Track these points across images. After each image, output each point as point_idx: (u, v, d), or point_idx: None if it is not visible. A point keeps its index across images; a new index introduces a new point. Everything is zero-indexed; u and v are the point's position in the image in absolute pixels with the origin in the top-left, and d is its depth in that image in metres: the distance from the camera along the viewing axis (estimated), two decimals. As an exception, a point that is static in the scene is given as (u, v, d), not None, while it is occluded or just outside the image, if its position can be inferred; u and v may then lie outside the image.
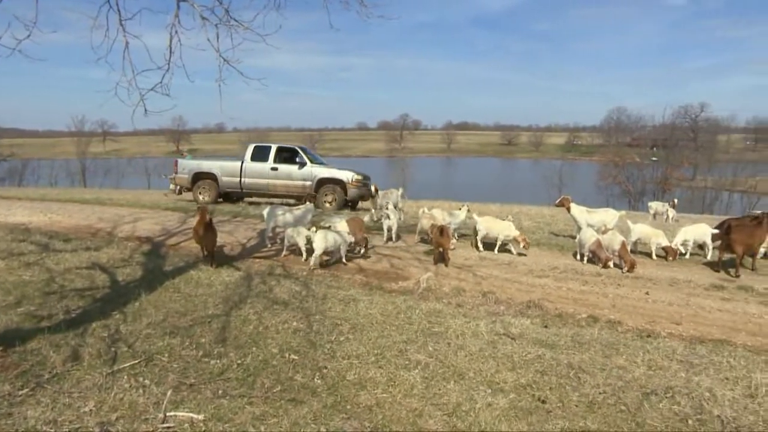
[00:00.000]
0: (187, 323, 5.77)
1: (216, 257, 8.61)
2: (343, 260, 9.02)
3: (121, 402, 3.98)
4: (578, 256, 9.83)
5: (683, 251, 10.09)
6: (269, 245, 10.17)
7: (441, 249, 9.04)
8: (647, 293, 7.82)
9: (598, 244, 9.29)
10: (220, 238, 10.43)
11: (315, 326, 5.84)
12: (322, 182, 16.02)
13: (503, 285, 8.06)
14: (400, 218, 11.17)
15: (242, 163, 16.87)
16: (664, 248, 9.85)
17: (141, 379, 4.40)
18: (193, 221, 9.47)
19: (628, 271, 8.84)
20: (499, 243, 10.08)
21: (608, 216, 11.15)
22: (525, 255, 9.92)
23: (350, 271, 8.65)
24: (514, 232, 9.88)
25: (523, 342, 5.62)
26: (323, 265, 8.75)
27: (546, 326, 6.26)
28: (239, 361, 4.87)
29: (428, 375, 4.76)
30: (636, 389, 4.60)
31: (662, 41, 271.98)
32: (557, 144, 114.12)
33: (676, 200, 20.18)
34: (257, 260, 9.10)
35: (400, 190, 14.73)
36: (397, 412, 4.15)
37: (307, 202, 10.66)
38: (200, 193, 17.05)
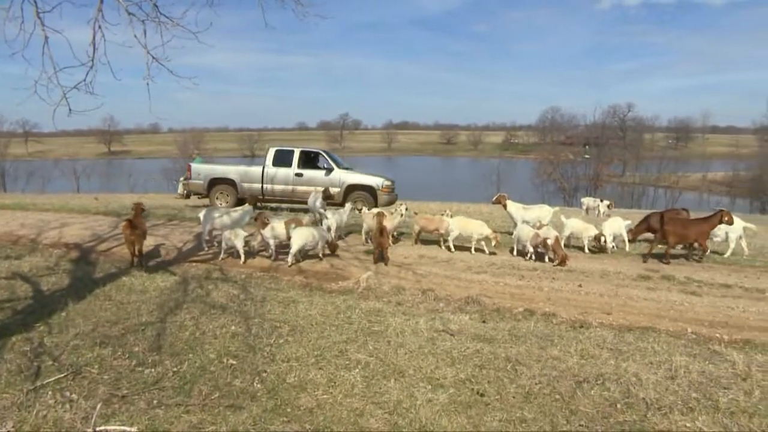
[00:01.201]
0: (119, 332, 5.56)
1: (151, 262, 8.34)
2: (320, 255, 9.32)
3: (45, 420, 3.80)
4: (515, 252, 10.10)
5: (610, 246, 10.59)
6: (206, 248, 9.94)
7: (381, 248, 9.12)
8: (580, 286, 8.17)
9: (535, 237, 9.53)
10: (155, 242, 10.14)
11: (254, 329, 5.77)
12: (351, 188, 15.33)
13: (442, 282, 8.20)
14: (341, 218, 11.21)
15: (263, 168, 15.86)
16: (594, 237, 10.35)
17: (68, 393, 4.21)
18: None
19: (559, 264, 9.19)
20: (474, 242, 10.18)
21: (543, 212, 11.58)
22: (495, 254, 10.04)
23: (290, 272, 8.58)
24: (486, 231, 10.03)
25: (462, 337, 5.75)
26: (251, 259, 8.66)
27: (484, 321, 6.42)
28: (175, 369, 4.76)
29: (369, 374, 4.80)
30: (569, 378, 4.81)
31: (590, 44, 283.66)
32: (495, 143, 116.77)
33: (610, 202, 20.75)
34: (194, 264, 8.87)
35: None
36: (338, 412, 4.17)
37: (246, 204, 10.46)
38: (218, 199, 15.88)
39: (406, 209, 11.14)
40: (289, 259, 8.97)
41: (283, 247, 9.57)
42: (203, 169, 16.35)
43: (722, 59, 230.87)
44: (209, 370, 4.77)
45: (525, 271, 8.97)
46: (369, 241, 10.58)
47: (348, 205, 11.94)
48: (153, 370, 4.72)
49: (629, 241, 10.82)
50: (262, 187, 15.63)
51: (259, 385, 4.54)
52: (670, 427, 4.03)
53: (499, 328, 6.11)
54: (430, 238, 11.05)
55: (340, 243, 10.53)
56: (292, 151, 15.95)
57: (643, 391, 4.55)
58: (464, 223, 10.29)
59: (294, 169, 15.65)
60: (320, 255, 9.34)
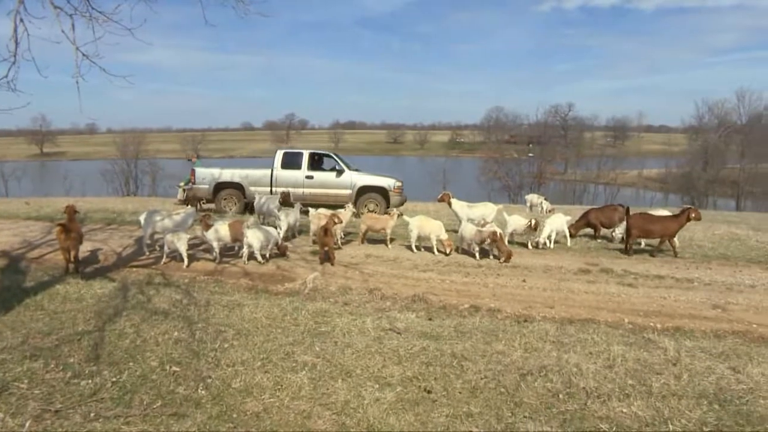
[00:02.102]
0: (51, 343, 5.28)
1: (87, 268, 7.99)
2: (265, 257, 9.23)
3: (-33, 442, 3.58)
4: (460, 250, 10.23)
5: (549, 243, 10.92)
6: (147, 253, 9.61)
7: (326, 248, 9.08)
8: (524, 281, 8.38)
9: (479, 234, 9.67)
10: (92, 247, 9.74)
11: (198, 335, 5.62)
12: (363, 190, 15.04)
13: (389, 281, 8.24)
14: (293, 219, 11.18)
15: (272, 171, 15.33)
16: (528, 225, 10.58)
17: (-8, 412, 3.96)
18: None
19: (505, 261, 9.40)
20: (434, 242, 10.17)
21: (487, 210, 11.82)
22: (448, 254, 10.02)
23: (234, 275, 8.41)
24: (444, 235, 10.06)
25: (409, 335, 5.80)
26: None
27: (431, 319, 6.48)
28: (114, 379, 4.57)
29: (316, 375, 4.76)
30: (514, 371, 4.93)
31: (532, 45, 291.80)
32: (441, 142, 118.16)
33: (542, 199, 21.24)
34: (134, 269, 8.57)
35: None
36: (285, 416, 4.12)
37: (188, 206, 10.18)
38: (224, 204, 15.12)
39: (354, 209, 11.12)
40: (259, 258, 9.04)
41: (227, 249, 9.40)
42: (209, 173, 15.44)
43: (654, 62, 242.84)
44: (151, 379, 4.62)
45: (470, 268, 9.12)
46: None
47: (298, 205, 11.83)
48: (90, 381, 4.51)
49: (570, 236, 11.19)
50: (271, 190, 15.01)
51: (203, 392, 4.43)
52: (608, 413, 4.20)
53: (445, 325, 6.18)
54: (376, 238, 11.08)
55: (287, 244, 10.41)
56: (301, 153, 15.55)
57: (584, 381, 4.72)
58: (424, 223, 10.34)
59: (304, 171, 15.25)
60: (266, 257, 9.24)
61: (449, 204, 12.00)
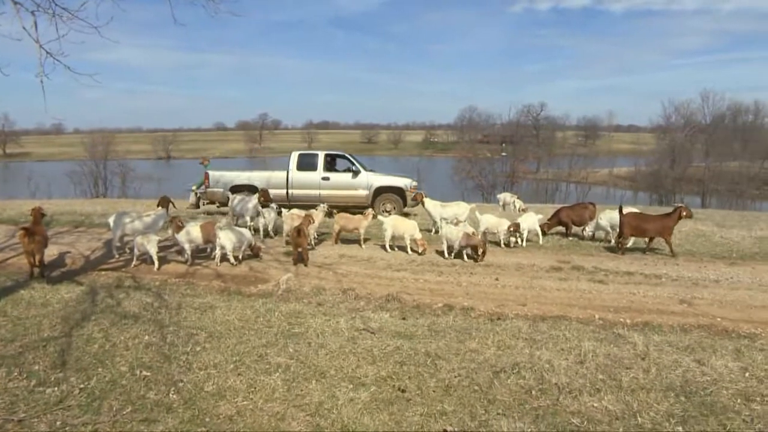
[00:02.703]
0: (15, 350, 5.15)
1: (54, 272, 7.79)
2: (238, 259, 9.13)
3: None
4: (446, 254, 9.86)
5: (521, 241, 11.04)
6: (117, 255, 9.42)
7: (300, 249, 9.03)
8: (497, 279, 8.45)
9: (467, 237, 9.61)
10: (59, 251, 9.51)
11: (169, 338, 5.54)
12: (380, 191, 14.81)
13: (363, 281, 8.23)
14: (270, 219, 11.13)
15: (288, 173, 15.03)
16: (509, 228, 10.66)
17: (-49, 423, 3.84)
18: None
19: (480, 259, 9.46)
20: (407, 242, 10.15)
21: (460, 209, 11.90)
22: (421, 254, 9.99)
23: (207, 277, 8.31)
24: (417, 235, 10.05)
25: (383, 335, 5.80)
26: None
27: (404, 318, 6.50)
28: (82, 386, 4.47)
29: (289, 377, 4.74)
30: (487, 369, 4.97)
31: (505, 45, 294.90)
32: (415, 141, 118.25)
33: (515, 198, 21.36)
34: (103, 273, 8.40)
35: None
36: (258, 418, 4.09)
37: (159, 207, 10.00)
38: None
39: (327, 209, 11.07)
40: (231, 259, 8.95)
41: (200, 251, 9.28)
42: (223, 176, 15.12)
43: (623, 63, 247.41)
44: (120, 384, 4.53)
45: (444, 267, 9.17)
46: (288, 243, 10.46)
47: (273, 206, 11.72)
48: (56, 389, 4.40)
49: (542, 234, 11.34)
50: (287, 192, 14.84)
51: (175, 396, 4.37)
52: (580, 408, 4.27)
53: (418, 324, 6.21)
54: (350, 238, 11.06)
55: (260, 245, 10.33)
56: (317, 155, 15.35)
57: (556, 377, 4.80)
58: (398, 223, 10.33)
59: (320, 172, 15.02)
60: (239, 258, 9.16)
61: (422, 203, 12.05)
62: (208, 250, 9.43)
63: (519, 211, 18.95)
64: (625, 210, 10.49)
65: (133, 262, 8.83)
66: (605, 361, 5.16)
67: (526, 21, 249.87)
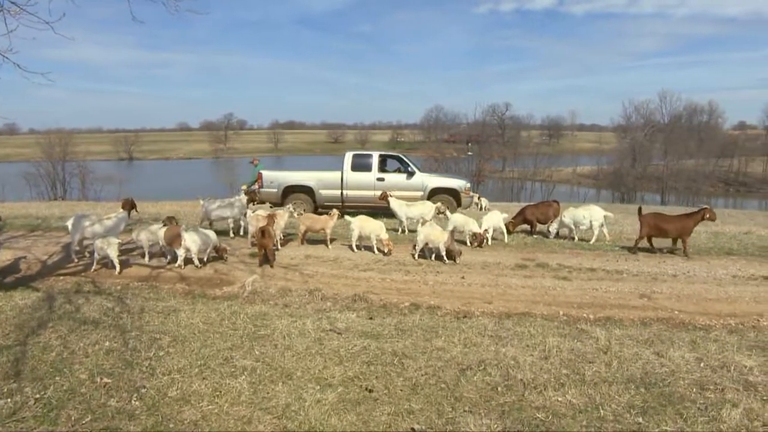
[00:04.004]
0: (-36, 361, 4.93)
1: (7, 278, 7.52)
2: (201, 261, 9.01)
3: None
4: (430, 254, 9.74)
5: (488, 238, 11.17)
6: (76, 260, 9.13)
7: (265, 250, 8.93)
8: (463, 278, 8.51)
9: (452, 240, 9.58)
10: (13, 255, 9.22)
11: (131, 343, 5.41)
12: (435, 191, 14.62)
13: (330, 281, 8.20)
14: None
15: (342, 173, 14.77)
16: (473, 234, 10.78)
17: None
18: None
19: (457, 260, 9.45)
20: (374, 242, 10.11)
21: (425, 208, 11.97)
22: (386, 254, 9.90)
23: (170, 280, 8.14)
24: (384, 235, 9.99)
25: (350, 335, 5.79)
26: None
27: (371, 318, 6.50)
28: (38, 396, 4.31)
29: (255, 380, 4.68)
30: (454, 367, 5.01)
31: (470, 46, 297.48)
32: (382, 141, 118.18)
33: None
34: (61, 278, 8.15)
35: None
36: (224, 422, 4.02)
37: (120, 210, 9.74)
38: (294, 209, 14.27)
39: (295, 209, 10.99)
40: (196, 261, 8.82)
41: (162, 254, 9.11)
42: (277, 177, 14.92)
43: (585, 64, 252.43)
44: (80, 393, 4.40)
45: (411, 266, 9.20)
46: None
47: (250, 212, 11.51)
48: (9, 400, 4.23)
49: (507, 232, 11.49)
50: (341, 193, 14.57)
51: (137, 403, 4.26)
52: (545, 403, 4.34)
53: (385, 324, 6.21)
54: (316, 238, 11.00)
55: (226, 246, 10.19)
56: (371, 155, 15.13)
57: (521, 373, 4.87)
58: (364, 223, 10.29)
59: (375, 173, 14.79)
60: (204, 260, 9.02)
61: (387, 203, 12.07)
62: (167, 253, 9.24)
63: (485, 209, 19.20)
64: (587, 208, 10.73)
65: (93, 267, 8.59)
66: (569, 356, 5.26)
67: (491, 22, 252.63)
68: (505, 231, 11.38)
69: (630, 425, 4.02)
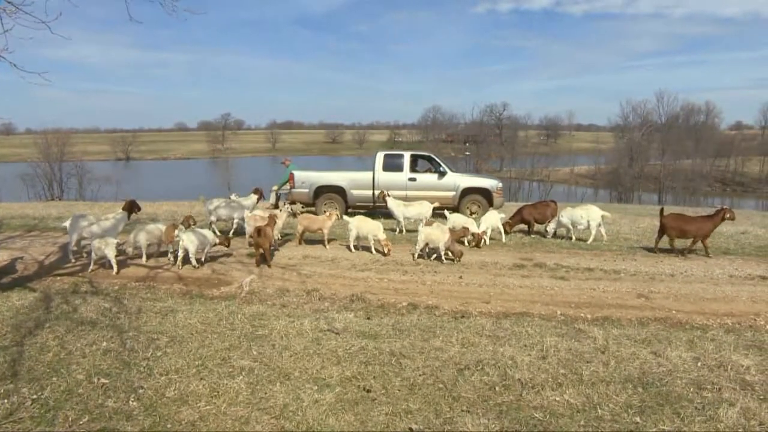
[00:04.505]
0: (-40, 362, 4.91)
1: (4, 279, 7.50)
2: (202, 259, 9.09)
3: None
4: (430, 254, 9.78)
5: (486, 238, 11.18)
6: (73, 260, 9.11)
7: (262, 250, 8.93)
8: (461, 277, 8.51)
9: (452, 240, 9.53)
10: (9, 256, 9.19)
11: (128, 344, 5.39)
12: (467, 191, 14.54)
13: (327, 281, 8.19)
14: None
15: (374, 173, 14.70)
16: (472, 235, 10.78)
17: None
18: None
19: (452, 258, 9.48)
20: (371, 242, 10.11)
21: (423, 208, 11.98)
22: (386, 255, 9.89)
23: (168, 280, 8.13)
24: (381, 235, 9.98)
25: (347, 335, 5.78)
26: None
27: (369, 318, 6.50)
28: (34, 396, 4.30)
29: (253, 380, 4.67)
30: (451, 367, 5.01)
31: (468, 46, 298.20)
32: (380, 141, 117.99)
33: None
34: (59, 278, 8.12)
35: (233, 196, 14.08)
36: (222, 423, 4.02)
37: (120, 210, 9.73)
38: (325, 210, 14.11)
39: (291, 209, 10.98)
40: (194, 262, 8.81)
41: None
42: (309, 177, 14.84)
43: (583, 64, 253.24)
44: (77, 393, 4.39)
45: (408, 266, 9.20)
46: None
47: (246, 213, 11.53)
48: (6, 401, 4.22)
49: (505, 232, 11.49)
50: (373, 193, 14.45)
51: (135, 403, 4.25)
52: (542, 402, 4.34)
53: (383, 324, 6.21)
54: (314, 238, 11.00)
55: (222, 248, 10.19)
56: (402, 155, 15.02)
57: (519, 373, 4.87)
58: (362, 223, 10.29)
59: (406, 173, 14.72)
60: (201, 260, 9.02)
61: (385, 202, 12.06)
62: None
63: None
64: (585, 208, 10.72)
65: (91, 267, 8.57)
66: (567, 356, 5.26)
67: (489, 22, 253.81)
68: (502, 231, 11.39)
69: (627, 425, 4.03)
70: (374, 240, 10.05)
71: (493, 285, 8.14)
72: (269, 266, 8.87)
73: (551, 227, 11.73)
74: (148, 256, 9.22)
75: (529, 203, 14.02)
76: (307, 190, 14.74)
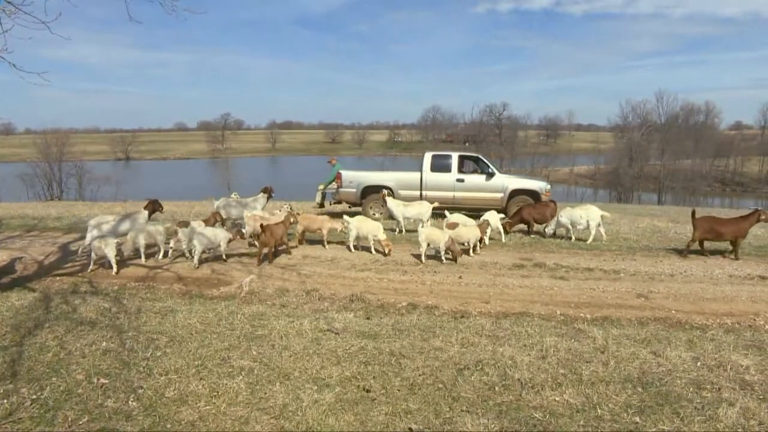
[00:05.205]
0: (-41, 362, 4.91)
1: (3, 279, 7.50)
2: (223, 256, 9.25)
3: None
4: (424, 257, 9.68)
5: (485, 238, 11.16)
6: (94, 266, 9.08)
7: (266, 249, 8.93)
8: (460, 277, 8.51)
9: (452, 240, 9.52)
10: (9, 256, 9.18)
11: (128, 344, 5.39)
12: (515, 193, 14.46)
13: (327, 281, 8.19)
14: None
15: (421, 174, 14.73)
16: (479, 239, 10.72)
17: None
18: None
19: (453, 258, 9.49)
20: (371, 242, 10.11)
21: (423, 208, 11.97)
22: (386, 255, 9.88)
23: (167, 280, 8.13)
24: (381, 235, 9.97)
25: (347, 335, 5.78)
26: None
27: (369, 318, 6.50)
28: (34, 397, 4.30)
29: (253, 380, 4.67)
30: (451, 367, 5.01)
31: (467, 46, 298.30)
32: (379, 141, 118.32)
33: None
34: (58, 278, 8.12)
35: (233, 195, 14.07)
36: (221, 423, 4.01)
37: (142, 209, 9.78)
38: (371, 208, 14.36)
39: (291, 209, 10.98)
40: (195, 261, 8.86)
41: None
42: (356, 177, 14.88)
43: (583, 64, 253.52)
44: (76, 393, 4.38)
45: (408, 266, 9.20)
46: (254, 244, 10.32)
47: (247, 213, 11.53)
48: (5, 401, 4.22)
49: (504, 232, 11.49)
50: (420, 194, 14.45)
51: (134, 403, 4.25)
52: (542, 402, 4.34)
53: (383, 324, 6.21)
54: (313, 238, 11.00)
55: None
56: (450, 156, 14.99)
57: (518, 373, 4.87)
58: (362, 223, 10.28)
59: (454, 174, 14.69)
60: (223, 256, 9.13)
61: (384, 202, 12.06)
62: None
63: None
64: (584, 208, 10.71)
65: (90, 267, 8.58)
66: (566, 356, 5.26)
67: (489, 22, 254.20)
68: (502, 231, 11.39)
69: (627, 425, 4.03)
70: (374, 240, 10.04)
71: (492, 285, 8.14)
72: (270, 261, 8.89)
73: (551, 227, 11.72)
74: (147, 257, 9.21)
75: (529, 203, 14.02)
76: (354, 190, 14.76)
